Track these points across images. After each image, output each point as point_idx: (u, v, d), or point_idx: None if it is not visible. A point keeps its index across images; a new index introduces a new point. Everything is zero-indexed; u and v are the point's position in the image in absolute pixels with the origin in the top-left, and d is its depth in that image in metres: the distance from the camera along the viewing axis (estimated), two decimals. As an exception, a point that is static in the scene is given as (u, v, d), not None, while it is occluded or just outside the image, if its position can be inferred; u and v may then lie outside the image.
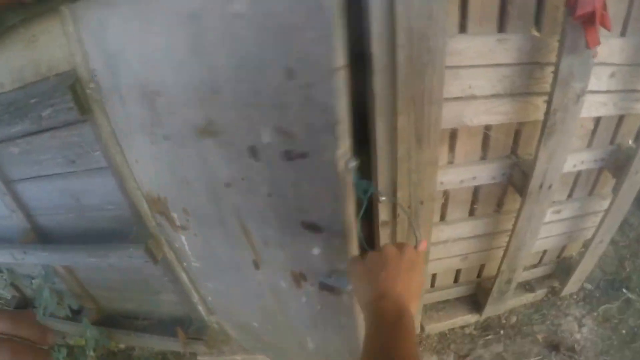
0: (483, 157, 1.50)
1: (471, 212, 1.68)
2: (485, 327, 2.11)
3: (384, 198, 1.25)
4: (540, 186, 1.47)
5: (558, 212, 1.78)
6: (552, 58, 1.25)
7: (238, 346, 1.83)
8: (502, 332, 2.08)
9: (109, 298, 2.04)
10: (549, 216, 1.72)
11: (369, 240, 1.52)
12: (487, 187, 1.59)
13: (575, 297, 2.20)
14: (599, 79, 1.37)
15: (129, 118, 1.07)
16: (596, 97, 1.42)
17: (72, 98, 1.07)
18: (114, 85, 1.01)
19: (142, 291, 1.86)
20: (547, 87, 1.30)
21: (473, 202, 1.65)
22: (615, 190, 1.69)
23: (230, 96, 0.90)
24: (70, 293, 1.96)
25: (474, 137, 1.43)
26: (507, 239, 1.71)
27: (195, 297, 1.65)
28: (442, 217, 1.66)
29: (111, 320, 2.07)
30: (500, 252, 1.78)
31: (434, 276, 1.97)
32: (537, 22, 1.23)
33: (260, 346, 1.77)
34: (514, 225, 1.62)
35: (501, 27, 1.22)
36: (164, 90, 0.95)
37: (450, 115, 1.28)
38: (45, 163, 1.40)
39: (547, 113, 1.30)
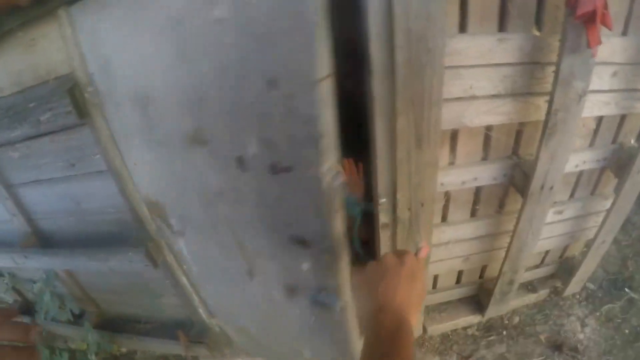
0: (484, 158, 1.49)
1: (473, 213, 1.68)
2: (487, 328, 2.10)
3: (384, 200, 1.25)
4: (542, 187, 1.46)
5: (560, 212, 1.77)
6: (553, 58, 1.24)
7: (240, 349, 1.83)
8: (504, 332, 2.07)
9: (110, 301, 2.03)
10: (551, 216, 1.71)
11: (370, 243, 1.51)
12: (488, 188, 1.59)
13: (577, 297, 2.19)
14: (601, 78, 1.36)
15: (125, 122, 1.06)
16: (598, 97, 1.41)
17: (70, 102, 1.07)
18: (110, 89, 1.01)
19: (144, 294, 1.85)
20: (548, 87, 1.29)
21: (474, 203, 1.64)
22: (618, 189, 1.68)
23: (216, 104, 0.88)
24: (72, 297, 1.96)
25: (475, 138, 1.42)
26: (509, 240, 1.70)
27: (196, 300, 1.65)
28: (444, 219, 1.65)
29: (113, 324, 2.06)
30: (502, 253, 1.77)
31: (436, 277, 1.96)
32: (538, 22, 1.23)
33: (260, 350, 1.76)
34: (515, 226, 1.61)
35: (502, 27, 1.21)
36: (155, 96, 0.94)
37: (451, 116, 1.27)
38: (45, 167, 1.39)
39: (548, 113, 1.29)
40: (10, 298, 2.15)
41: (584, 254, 2.01)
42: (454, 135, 1.39)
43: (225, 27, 0.76)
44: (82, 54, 1.01)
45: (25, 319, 2.05)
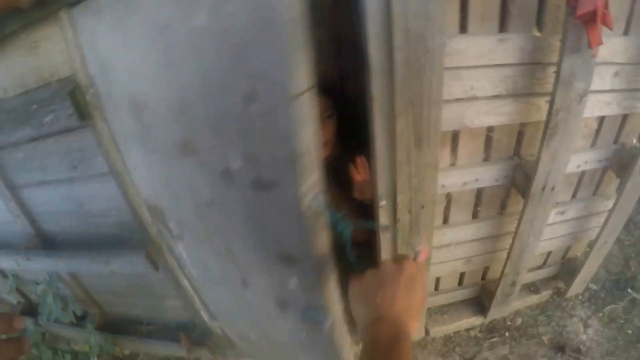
0: (485, 159, 1.48)
1: (474, 215, 1.67)
2: (490, 330, 2.09)
3: (384, 202, 1.24)
4: (543, 188, 1.45)
5: (562, 213, 1.77)
6: (555, 58, 1.24)
7: (242, 352, 1.83)
8: (507, 334, 2.06)
9: (113, 303, 2.04)
10: (553, 217, 1.71)
11: (371, 245, 1.51)
12: (490, 189, 1.58)
13: (580, 298, 2.19)
14: (603, 78, 1.36)
15: (123, 126, 1.07)
16: (600, 97, 1.41)
17: (71, 104, 1.07)
18: (109, 92, 1.01)
19: (146, 296, 1.85)
20: (549, 88, 1.28)
21: (476, 205, 1.64)
22: (620, 190, 1.68)
23: (201, 115, 0.87)
24: (75, 298, 1.96)
25: (476, 139, 1.42)
26: (511, 241, 1.69)
27: (198, 303, 1.65)
28: (445, 220, 1.65)
29: (115, 326, 2.06)
30: (505, 255, 1.77)
31: (438, 279, 1.96)
32: (539, 22, 1.22)
33: (261, 355, 1.76)
34: (517, 227, 1.61)
35: (502, 27, 1.21)
36: (148, 104, 0.93)
37: (451, 117, 1.27)
38: (49, 169, 1.40)
39: (549, 114, 1.29)
40: (14, 299, 2.15)
41: (586, 255, 2.01)
42: (454, 137, 1.39)
43: (205, 37, 0.75)
44: (83, 56, 1.01)
45: (29, 321, 2.06)
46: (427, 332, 2.03)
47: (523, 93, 1.31)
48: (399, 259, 0.79)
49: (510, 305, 2.05)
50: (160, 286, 1.67)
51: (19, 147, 1.38)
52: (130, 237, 1.45)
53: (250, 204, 0.97)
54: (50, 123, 1.16)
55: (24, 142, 1.34)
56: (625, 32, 1.32)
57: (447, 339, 2.08)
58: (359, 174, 1.44)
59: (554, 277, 2.21)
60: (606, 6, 1.05)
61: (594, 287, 2.22)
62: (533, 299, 2.16)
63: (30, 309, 2.11)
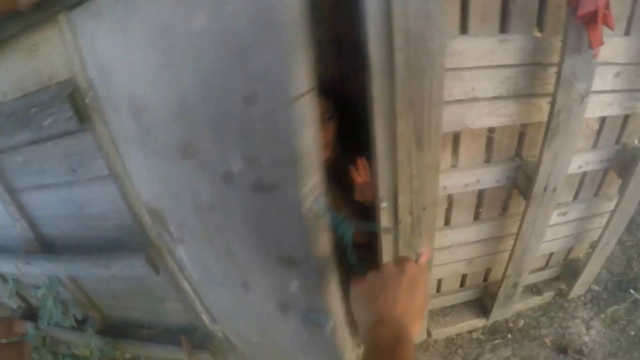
0: (487, 160, 1.48)
1: (476, 216, 1.67)
2: (492, 331, 2.08)
3: (385, 204, 1.24)
4: (545, 189, 1.45)
5: (564, 214, 1.76)
6: (556, 58, 1.24)
7: (243, 355, 1.82)
8: (509, 336, 2.06)
9: (113, 307, 2.03)
10: (554, 218, 1.70)
11: (372, 247, 1.50)
12: (491, 191, 1.58)
13: (582, 299, 2.18)
14: (604, 79, 1.36)
15: (123, 129, 1.06)
16: (601, 97, 1.40)
17: (70, 107, 1.06)
18: (108, 95, 1.00)
19: (147, 299, 1.84)
20: (550, 88, 1.28)
21: (478, 206, 1.63)
22: (621, 190, 1.67)
23: (201, 117, 0.86)
24: (75, 302, 1.96)
25: (478, 140, 1.42)
26: (512, 243, 1.69)
27: (199, 306, 1.64)
28: (447, 222, 1.64)
29: (116, 329, 2.05)
30: (507, 256, 1.76)
31: (439, 281, 1.95)
32: (540, 22, 1.22)
33: (262, 358, 1.75)
34: (519, 229, 1.60)
35: (503, 28, 1.20)
36: (148, 106, 0.92)
37: (452, 118, 1.27)
38: (48, 172, 1.39)
39: (550, 114, 1.28)
40: (14, 303, 2.15)
41: (588, 256, 2.00)
42: (456, 138, 1.39)
43: (204, 39, 0.74)
44: (83, 59, 1.00)
45: (29, 325, 2.05)
46: (429, 334, 2.02)
47: (524, 94, 1.30)
48: (400, 261, 0.79)
49: (513, 306, 2.04)
50: (160, 289, 1.67)
51: (19, 151, 1.37)
52: (130, 240, 1.44)
53: (251, 206, 0.96)
54: (49, 126, 1.16)
55: (23, 145, 1.33)
56: (627, 32, 1.32)
57: (449, 341, 2.07)
58: (359, 176, 1.44)
59: (556, 279, 2.21)
60: (607, 6, 1.05)
61: (596, 288, 2.21)
62: (535, 301, 2.15)
63: (31, 313, 2.10)
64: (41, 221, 1.64)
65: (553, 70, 1.26)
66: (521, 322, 2.11)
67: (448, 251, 1.70)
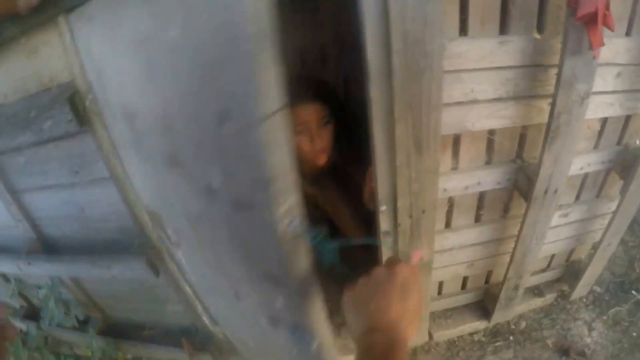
0: (488, 162, 1.47)
1: (477, 219, 1.66)
2: (494, 334, 2.08)
3: (384, 207, 1.23)
4: (546, 191, 1.44)
5: (566, 215, 1.76)
6: (556, 60, 1.23)
7: (244, 358, 1.82)
8: (511, 338, 2.05)
9: (115, 307, 2.03)
10: (556, 220, 1.69)
11: (373, 251, 1.50)
12: (492, 193, 1.57)
13: (584, 300, 2.17)
14: (605, 80, 1.35)
15: (119, 133, 1.07)
16: (602, 98, 1.39)
17: (70, 110, 1.06)
18: (105, 99, 1.01)
19: (149, 301, 1.85)
20: (551, 90, 1.27)
21: (478, 208, 1.63)
22: (623, 191, 1.66)
23: (183, 130, 0.84)
24: (77, 303, 1.96)
25: (478, 142, 1.41)
26: (514, 245, 1.68)
27: (200, 308, 1.64)
28: (448, 224, 1.64)
29: (118, 330, 2.06)
30: (508, 258, 1.75)
31: (441, 284, 1.95)
32: (540, 23, 1.21)
33: (262, 361, 1.76)
34: (519, 231, 1.59)
35: (503, 29, 1.20)
36: (138, 114, 0.92)
37: (452, 121, 1.26)
38: (50, 173, 1.40)
39: (550, 116, 1.28)
40: (16, 303, 2.16)
41: (590, 257, 1.99)
42: (456, 140, 1.38)
43: (179, 52, 0.72)
44: (82, 62, 1.01)
45: (31, 325, 2.06)
46: (430, 336, 2.02)
47: (524, 95, 1.30)
48: (390, 264, 0.77)
49: (514, 309, 2.04)
50: (162, 291, 1.67)
51: (20, 152, 1.37)
52: (132, 242, 1.45)
53: (233, 222, 0.95)
54: (49, 129, 1.16)
55: (24, 147, 1.33)
56: (628, 33, 1.31)
57: (451, 343, 2.07)
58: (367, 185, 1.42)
59: (558, 280, 2.20)
60: (607, 7, 1.04)
61: (598, 289, 2.20)
62: (537, 302, 2.14)
63: (33, 313, 2.11)
64: (43, 222, 1.65)
65: (554, 71, 1.25)
66: (523, 324, 2.10)
67: (449, 254, 1.70)
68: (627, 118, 1.55)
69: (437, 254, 1.64)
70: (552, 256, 2.06)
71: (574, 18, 1.07)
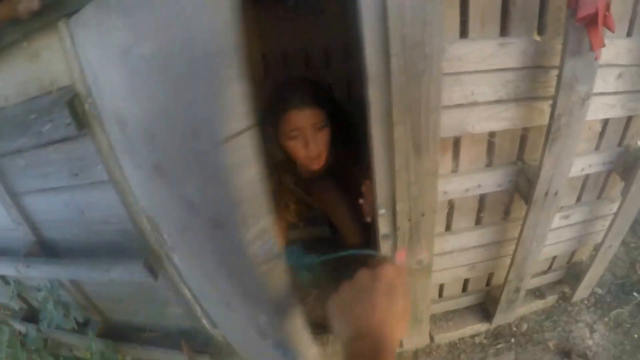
0: (488, 164, 1.47)
1: (477, 221, 1.65)
2: (495, 336, 2.07)
3: (383, 211, 1.23)
4: (546, 193, 1.43)
5: (567, 217, 1.75)
6: (557, 61, 1.22)
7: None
8: (513, 340, 2.04)
9: (115, 310, 2.03)
10: (557, 221, 1.69)
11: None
12: (493, 195, 1.56)
13: (586, 302, 2.16)
14: (606, 81, 1.34)
15: (115, 138, 1.07)
16: (603, 99, 1.39)
17: (69, 113, 1.07)
18: (102, 103, 1.01)
19: (148, 303, 1.85)
20: (552, 91, 1.26)
21: (479, 211, 1.62)
22: (624, 192, 1.65)
23: (163, 143, 0.83)
24: (77, 305, 1.96)
25: (478, 144, 1.40)
26: (514, 247, 1.67)
27: (199, 311, 1.64)
28: (448, 227, 1.63)
29: (118, 332, 2.06)
30: (509, 260, 1.74)
31: (441, 286, 1.94)
32: (540, 25, 1.21)
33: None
34: (520, 233, 1.58)
35: (503, 31, 1.19)
36: (128, 122, 0.91)
37: (452, 123, 1.26)
38: (50, 176, 1.40)
39: (551, 118, 1.27)
40: (15, 305, 2.16)
41: (591, 259, 1.98)
42: (456, 142, 1.37)
43: (155, 65, 0.71)
44: (81, 66, 1.01)
45: (30, 327, 2.06)
46: (431, 339, 2.01)
47: (525, 97, 1.29)
48: (374, 266, 0.75)
49: (515, 311, 2.03)
50: (161, 293, 1.67)
51: (21, 155, 1.38)
52: (131, 245, 1.45)
53: (212, 238, 0.93)
54: (49, 132, 1.17)
55: (25, 150, 1.34)
56: (629, 34, 1.30)
57: (452, 345, 2.06)
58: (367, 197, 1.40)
59: (559, 282, 2.18)
60: (608, 8, 1.04)
61: (599, 291, 2.19)
62: (538, 304, 2.13)
63: (32, 315, 2.11)
64: (43, 225, 1.65)
65: (554, 73, 1.24)
66: (524, 326, 2.09)
67: (450, 256, 1.69)
68: (628, 119, 1.54)
69: (438, 256, 1.63)
70: (554, 258, 2.05)
71: (574, 19, 1.06)
